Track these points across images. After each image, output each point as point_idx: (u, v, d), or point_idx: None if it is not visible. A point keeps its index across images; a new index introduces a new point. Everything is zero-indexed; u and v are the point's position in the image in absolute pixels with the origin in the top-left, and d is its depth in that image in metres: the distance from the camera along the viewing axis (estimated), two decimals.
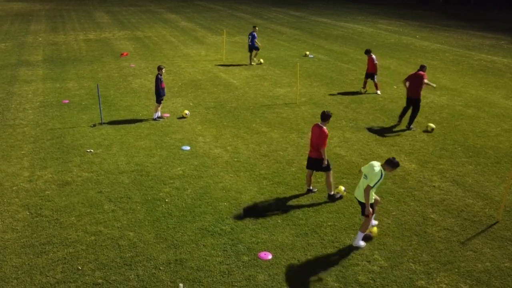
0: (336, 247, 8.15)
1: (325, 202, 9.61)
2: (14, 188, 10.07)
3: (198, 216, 9.06)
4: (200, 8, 49.10)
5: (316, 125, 9.38)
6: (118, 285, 7.16)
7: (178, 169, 11.04)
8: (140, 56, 24.05)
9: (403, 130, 13.70)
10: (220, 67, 21.72)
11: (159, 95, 13.98)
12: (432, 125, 13.76)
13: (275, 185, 10.33)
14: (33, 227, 8.61)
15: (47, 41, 28.30)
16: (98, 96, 14.11)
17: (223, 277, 7.37)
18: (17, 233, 8.44)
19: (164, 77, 19.10)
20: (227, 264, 7.66)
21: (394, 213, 9.25)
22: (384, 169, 7.71)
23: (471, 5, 55.93)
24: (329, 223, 8.85)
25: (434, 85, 14.15)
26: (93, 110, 15.16)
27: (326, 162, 9.40)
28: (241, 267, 7.60)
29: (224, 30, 28.22)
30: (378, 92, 17.45)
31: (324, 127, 9.26)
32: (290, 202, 9.60)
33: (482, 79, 19.76)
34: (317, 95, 17.26)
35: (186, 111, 14.64)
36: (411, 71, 21.13)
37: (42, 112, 14.99)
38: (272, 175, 10.80)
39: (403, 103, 16.34)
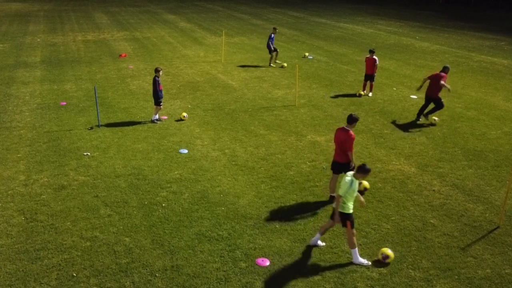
0: (335, 253, 8.05)
1: (324, 208, 9.50)
2: (9, 192, 9.96)
3: (195, 221, 8.96)
4: (199, 9, 49.00)
5: (342, 129, 9.26)
6: None
7: (176, 172, 10.94)
8: (139, 57, 23.94)
9: (404, 132, 13.61)
10: (218, 68, 21.61)
11: (157, 97, 13.88)
12: (435, 118, 14.30)
13: (273, 189, 10.23)
14: (28, 233, 8.50)
15: (46, 42, 28.18)
16: (96, 98, 14.00)
17: (219, 284, 7.27)
18: (11, 238, 8.33)
19: (162, 78, 19.01)
20: (224, 271, 7.56)
21: (393, 218, 9.14)
22: (356, 177, 7.53)
23: (471, 6, 55.84)
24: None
25: (449, 87, 14.30)
26: (90, 112, 15.05)
27: (353, 165, 9.31)
28: (238, 274, 7.49)
29: (223, 31, 28.12)
30: (370, 94, 17.31)
31: (350, 131, 9.13)
32: (289, 207, 9.49)
33: (482, 81, 19.66)
34: (316, 97, 17.15)
35: (184, 114, 14.54)
36: (411, 72, 21.06)
37: (39, 114, 14.88)
38: (271, 179, 10.69)
39: (402, 105, 16.26)
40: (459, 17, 43.30)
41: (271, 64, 22.05)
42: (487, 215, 9.29)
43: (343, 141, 9.12)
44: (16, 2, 53.80)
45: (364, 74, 17.53)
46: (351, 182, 7.46)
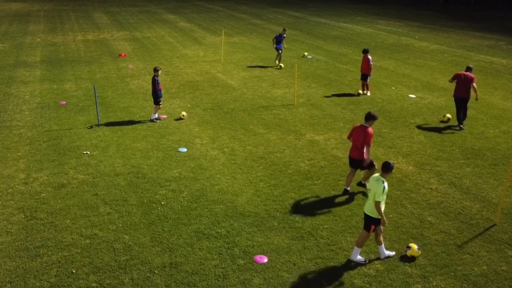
0: (332, 250, 8.11)
1: (321, 205, 9.56)
2: (9, 190, 10.02)
3: (194, 219, 9.02)
4: (199, 9, 49.06)
5: (360, 126, 9.52)
6: None
7: (175, 171, 11.00)
8: (138, 57, 24.01)
9: (402, 131, 13.66)
10: (218, 68, 21.67)
11: (157, 96, 13.95)
12: (448, 115, 14.53)
13: (271, 187, 10.29)
14: (27, 230, 8.57)
15: (45, 41, 28.25)
16: (95, 97, 14.07)
17: (218, 280, 7.33)
18: (11, 236, 8.40)
19: (162, 78, 19.07)
20: (223, 268, 7.62)
21: (391, 215, 9.20)
22: (383, 177, 7.54)
23: (471, 6, 55.89)
24: (326, 226, 8.81)
25: (477, 96, 14.40)
26: (90, 112, 15.11)
27: (368, 161, 9.55)
28: (236, 271, 7.55)
29: (223, 31, 28.19)
30: (368, 93, 17.37)
31: (369, 128, 9.38)
32: (287, 205, 9.55)
33: (481, 80, 19.69)
34: (315, 96, 17.21)
35: (184, 113, 14.60)
36: (410, 72, 21.11)
37: (39, 114, 14.94)
38: (269, 177, 10.75)
39: (401, 104, 16.32)
40: (459, 17, 43.37)
41: (277, 62, 22.20)
42: (484, 213, 9.35)
43: (363, 138, 9.34)
44: (16, 2, 53.87)
45: (360, 73, 17.65)
46: (385, 186, 7.39)
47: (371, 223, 7.59)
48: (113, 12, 44.69)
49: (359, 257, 7.80)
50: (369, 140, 9.41)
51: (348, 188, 9.97)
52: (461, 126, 13.87)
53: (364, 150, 9.51)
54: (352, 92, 17.75)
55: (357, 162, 9.71)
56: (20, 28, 33.74)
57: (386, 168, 7.50)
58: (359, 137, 9.47)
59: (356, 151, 9.61)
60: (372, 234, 7.80)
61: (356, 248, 7.78)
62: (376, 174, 7.66)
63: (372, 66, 17.06)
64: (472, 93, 13.81)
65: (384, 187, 7.34)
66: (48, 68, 21.34)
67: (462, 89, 13.77)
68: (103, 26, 35.27)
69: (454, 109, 14.26)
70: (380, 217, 7.50)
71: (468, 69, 14.00)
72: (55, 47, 26.54)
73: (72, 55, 24.23)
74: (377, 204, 7.39)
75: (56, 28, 33.71)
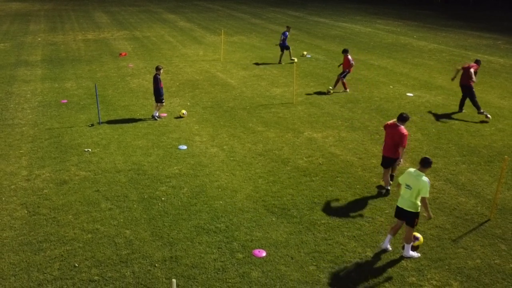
0: (330, 244, 8.28)
1: (319, 201, 9.73)
2: (12, 187, 10.19)
3: (193, 214, 9.19)
4: (199, 8, 49.21)
5: (393, 124, 9.57)
6: (114, 282, 7.28)
7: (175, 168, 11.17)
8: (139, 56, 24.17)
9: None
10: (217, 67, 21.84)
11: (159, 94, 14.13)
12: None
13: (270, 183, 10.45)
14: (30, 225, 8.73)
15: (46, 41, 28.41)
16: (96, 96, 14.23)
17: (217, 274, 7.50)
18: (15, 231, 8.56)
19: (162, 77, 19.22)
20: (222, 261, 7.79)
21: (387, 211, 9.37)
22: (423, 171, 7.67)
23: (471, 5, 56.05)
24: (323, 221, 8.98)
25: (475, 79, 15.03)
26: (91, 110, 15.28)
27: (401, 161, 9.64)
28: (235, 264, 7.72)
29: (222, 30, 28.35)
30: (342, 90, 17.68)
31: (402, 127, 9.46)
32: (285, 201, 9.72)
33: (478, 79, 19.86)
34: (314, 95, 17.38)
35: (184, 111, 14.76)
36: (408, 71, 21.29)
37: (40, 112, 15.11)
38: (268, 174, 10.92)
39: (398, 102, 16.49)
40: (458, 17, 43.53)
41: (292, 58, 22.85)
42: (479, 208, 9.53)
43: (398, 137, 9.41)
44: (16, 1, 54.01)
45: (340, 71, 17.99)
46: (428, 181, 7.56)
47: (414, 217, 7.72)
48: (113, 12, 44.84)
49: (411, 252, 7.93)
50: (405, 141, 9.43)
51: (389, 187, 10.05)
52: (462, 110, 15.39)
53: (400, 150, 9.53)
54: (351, 91, 17.92)
55: (391, 161, 9.77)
56: (20, 27, 33.90)
57: (426, 164, 7.64)
58: (394, 137, 9.51)
59: (391, 149, 9.65)
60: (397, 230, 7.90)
61: (406, 245, 7.90)
62: (412, 169, 7.76)
63: (353, 64, 17.39)
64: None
65: (428, 182, 7.51)
66: (49, 67, 21.51)
67: (462, 77, 15.04)
68: (103, 25, 35.43)
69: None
70: (418, 211, 7.69)
71: (476, 61, 15.34)
72: (56, 46, 26.70)
73: (73, 54, 24.39)
74: (424, 200, 7.54)
75: (56, 28, 33.87)
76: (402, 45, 27.96)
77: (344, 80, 17.58)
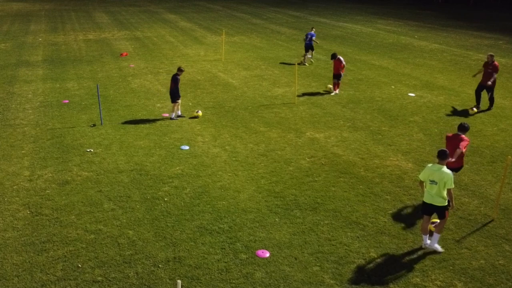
0: (333, 245, 8.26)
1: (322, 201, 9.71)
2: (14, 187, 10.17)
3: (196, 214, 9.17)
4: (200, 8, 49.21)
5: (456, 135, 9.37)
6: (117, 283, 7.26)
7: (177, 168, 11.15)
8: (140, 56, 24.16)
9: (401, 129, 13.82)
10: (219, 67, 21.83)
11: (178, 95, 14.16)
12: (475, 109, 15.39)
13: (273, 184, 10.44)
14: (33, 226, 8.72)
15: (47, 41, 28.40)
16: (98, 96, 14.22)
17: (221, 274, 7.48)
18: (17, 231, 8.55)
19: (163, 77, 19.24)
20: (225, 262, 7.77)
21: (390, 211, 9.36)
22: (442, 164, 7.80)
23: (471, 5, 56.04)
24: (326, 222, 8.96)
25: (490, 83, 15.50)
26: (92, 110, 15.26)
27: (453, 159, 9.29)
28: (238, 265, 7.71)
29: (223, 30, 28.34)
30: (336, 92, 17.53)
31: (463, 135, 9.31)
32: (288, 201, 9.71)
33: (480, 79, 19.83)
34: (315, 95, 17.36)
35: (198, 111, 14.75)
36: (409, 71, 21.27)
37: (42, 112, 15.09)
38: (270, 174, 10.91)
39: (400, 102, 16.48)
40: (459, 17, 43.51)
41: (305, 63, 22.66)
42: (482, 208, 9.51)
43: (457, 144, 9.18)
44: (17, 1, 54.01)
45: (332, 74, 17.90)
46: (451, 172, 7.74)
47: (445, 210, 7.89)
48: (114, 12, 44.83)
49: (437, 245, 8.08)
50: (465, 145, 9.21)
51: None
52: (478, 106, 15.62)
53: (457, 151, 9.13)
54: (351, 91, 17.91)
55: (456, 170, 9.45)
56: (21, 27, 33.88)
57: (444, 155, 7.79)
58: (456, 147, 9.22)
59: (456, 161, 9.34)
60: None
61: (436, 234, 8.05)
62: (430, 164, 7.92)
63: (344, 65, 17.40)
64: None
65: (451, 173, 7.70)
66: (50, 67, 21.49)
67: (483, 77, 15.66)
68: (104, 25, 35.42)
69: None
70: (449, 202, 7.89)
71: (490, 56, 15.70)
72: (57, 46, 26.68)
73: (74, 55, 24.38)
74: (450, 191, 7.76)
75: (57, 28, 33.86)
76: (403, 45, 27.94)
77: (339, 82, 17.50)
